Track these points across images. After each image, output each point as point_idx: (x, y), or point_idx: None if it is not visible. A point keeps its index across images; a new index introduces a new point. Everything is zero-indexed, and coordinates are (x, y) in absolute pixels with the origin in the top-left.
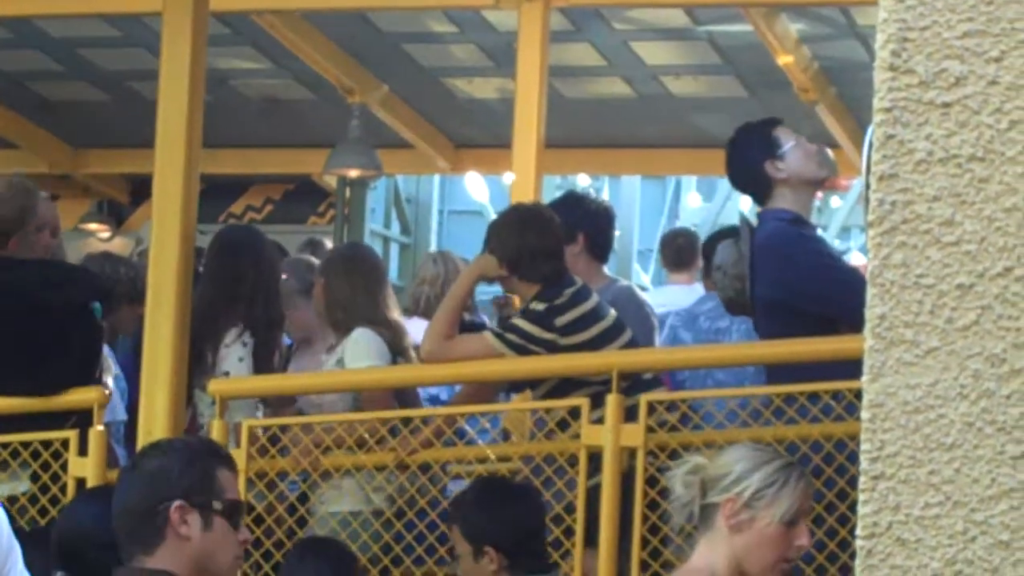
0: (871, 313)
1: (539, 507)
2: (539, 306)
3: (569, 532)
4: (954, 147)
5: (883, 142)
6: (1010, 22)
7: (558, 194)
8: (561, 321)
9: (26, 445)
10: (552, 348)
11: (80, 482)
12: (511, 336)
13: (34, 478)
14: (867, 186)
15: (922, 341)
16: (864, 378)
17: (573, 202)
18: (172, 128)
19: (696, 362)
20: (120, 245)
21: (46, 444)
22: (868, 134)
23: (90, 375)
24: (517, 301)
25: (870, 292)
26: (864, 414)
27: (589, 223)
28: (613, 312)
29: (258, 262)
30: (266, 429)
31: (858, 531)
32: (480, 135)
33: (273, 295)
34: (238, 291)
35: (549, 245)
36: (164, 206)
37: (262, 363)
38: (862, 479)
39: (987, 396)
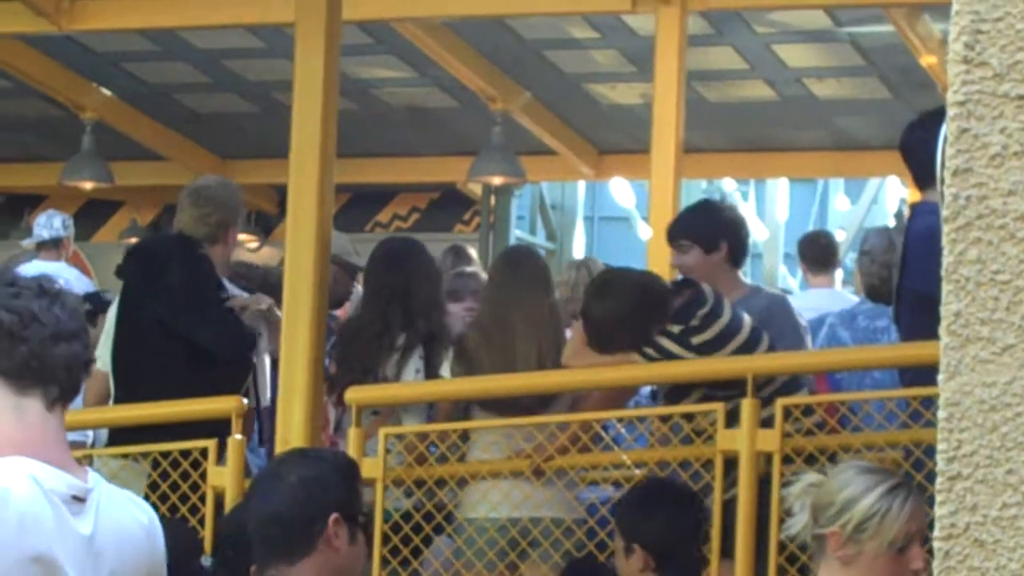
0: (946, 310)
1: (695, 513)
2: (675, 328)
3: (706, 537)
4: None
5: (957, 136)
6: None
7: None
8: (697, 340)
9: (165, 455)
10: None
11: (218, 491)
12: (650, 351)
13: (153, 487)
14: (941, 181)
15: (998, 338)
16: (940, 376)
17: (712, 210)
18: (307, 138)
19: (828, 365)
20: (268, 255)
21: (185, 453)
22: (942, 129)
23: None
24: None
25: (945, 289)
26: (940, 413)
27: (731, 232)
28: (748, 322)
29: (421, 273)
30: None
31: (936, 532)
32: (624, 140)
33: (436, 306)
34: (405, 303)
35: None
36: (299, 216)
37: (432, 374)
38: (939, 479)
39: None
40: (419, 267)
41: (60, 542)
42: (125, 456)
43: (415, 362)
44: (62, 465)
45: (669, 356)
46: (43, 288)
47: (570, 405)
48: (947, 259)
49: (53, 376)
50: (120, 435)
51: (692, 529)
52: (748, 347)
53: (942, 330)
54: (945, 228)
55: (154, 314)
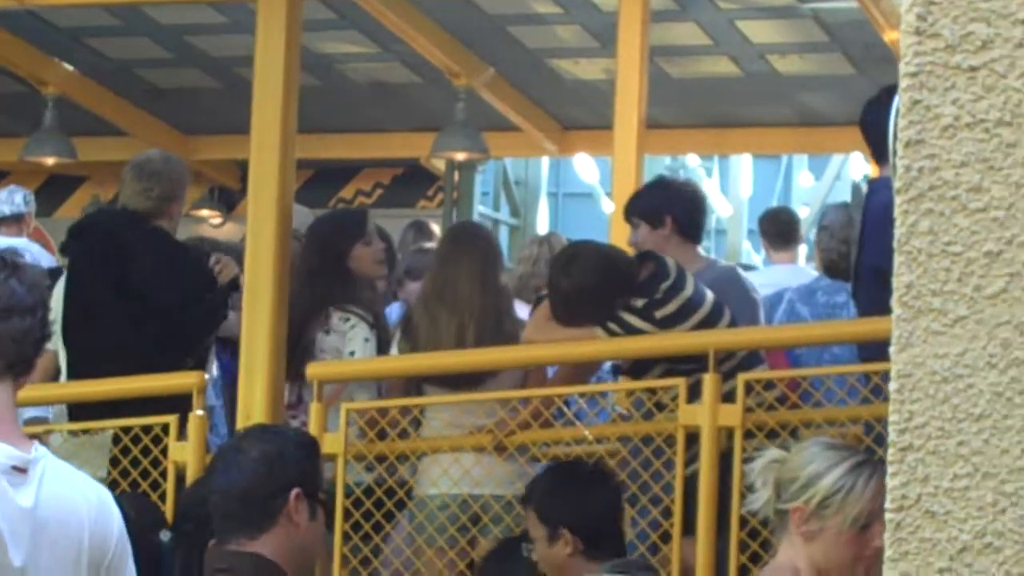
0: (898, 282)
1: (616, 491)
2: (638, 302)
3: (667, 512)
4: (981, 112)
5: (909, 107)
6: None
7: (666, 175)
8: (661, 314)
9: (126, 430)
10: None
11: (179, 466)
12: (614, 327)
13: (113, 463)
14: (894, 153)
15: (950, 310)
16: (892, 348)
17: (660, 186)
18: (268, 113)
19: (789, 341)
20: (232, 230)
21: (146, 429)
22: (894, 101)
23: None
24: None
25: (897, 260)
26: (892, 385)
27: (676, 206)
28: (711, 296)
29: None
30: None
31: (887, 503)
32: (587, 116)
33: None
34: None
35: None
36: (260, 192)
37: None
38: (890, 451)
39: (1016, 365)
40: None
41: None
42: (86, 432)
43: (363, 331)
44: (5, 437)
45: (632, 331)
46: (3, 261)
47: (522, 379)
48: (899, 231)
49: (3, 352)
50: (79, 411)
51: (616, 506)
52: (710, 321)
53: (894, 302)
54: (897, 200)
55: (129, 293)
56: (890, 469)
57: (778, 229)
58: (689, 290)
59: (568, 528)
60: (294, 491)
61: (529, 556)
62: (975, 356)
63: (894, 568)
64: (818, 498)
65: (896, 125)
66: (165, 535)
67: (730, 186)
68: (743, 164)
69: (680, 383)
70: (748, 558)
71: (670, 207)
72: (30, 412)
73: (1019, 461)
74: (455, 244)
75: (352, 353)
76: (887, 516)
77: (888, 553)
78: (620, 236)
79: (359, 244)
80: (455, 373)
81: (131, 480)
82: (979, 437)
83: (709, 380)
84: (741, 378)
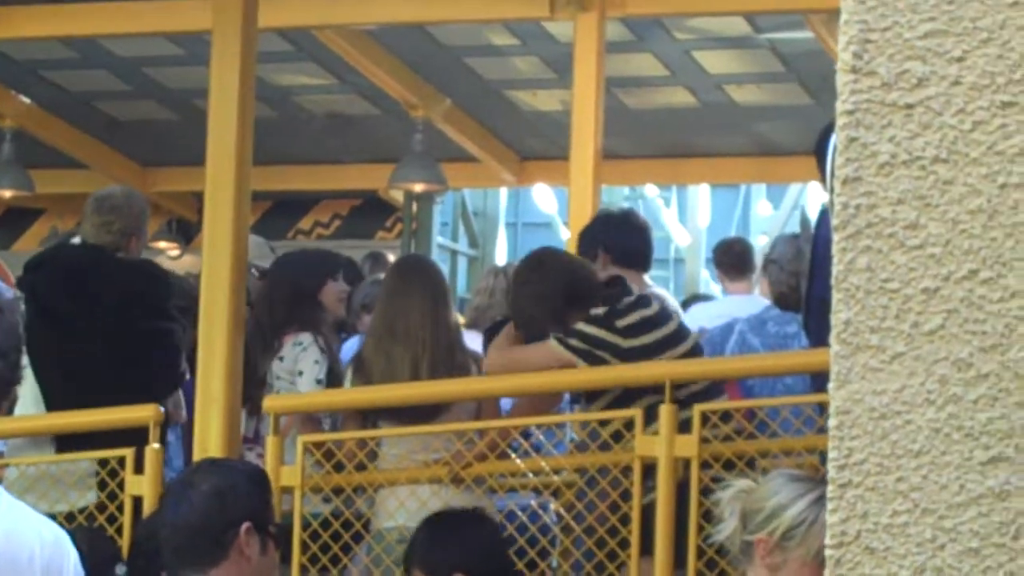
0: (836, 319)
1: (494, 527)
2: (599, 311)
3: (624, 543)
4: (917, 149)
5: (846, 145)
6: (972, 21)
7: (626, 204)
8: (622, 323)
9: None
10: (616, 352)
11: (136, 500)
12: (575, 341)
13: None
14: (831, 190)
15: (888, 346)
16: (830, 385)
17: (595, 220)
18: (223, 145)
19: (746, 371)
20: (189, 263)
21: (103, 462)
22: (832, 138)
23: (169, 390)
24: None
25: (835, 297)
26: (831, 421)
27: (605, 237)
28: (675, 320)
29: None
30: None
31: (827, 540)
32: (545, 147)
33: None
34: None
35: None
36: (216, 224)
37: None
38: (830, 487)
39: (954, 401)
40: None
41: None
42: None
43: (314, 353)
44: None
45: (595, 343)
46: None
47: (476, 411)
48: (837, 268)
49: None
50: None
51: (498, 542)
52: (673, 341)
53: (832, 338)
54: (835, 237)
55: (95, 330)
56: (829, 505)
57: (732, 260)
58: (653, 309)
59: (460, 572)
60: (245, 525)
61: None
62: (913, 392)
63: None
64: (782, 529)
65: (833, 162)
66: (120, 569)
67: (688, 215)
68: (701, 194)
69: (636, 413)
70: None
71: (600, 239)
72: None
73: (957, 497)
74: (403, 278)
75: (300, 373)
76: (827, 552)
77: None
78: None
79: (330, 280)
80: (409, 406)
81: (87, 513)
82: (918, 473)
83: (665, 411)
84: (697, 408)
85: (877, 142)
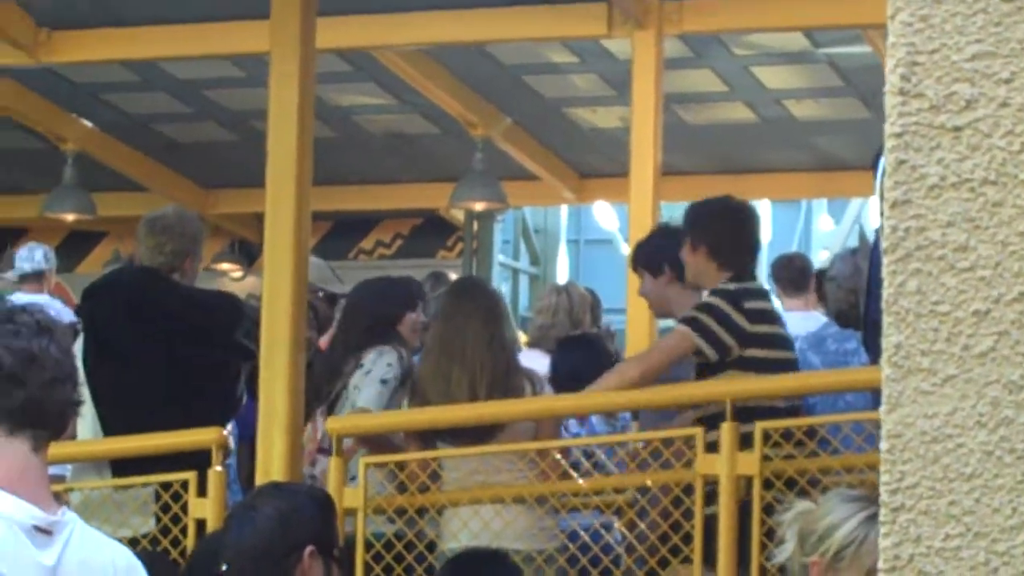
0: (887, 342)
1: (511, 567)
2: (729, 285)
3: (687, 563)
4: (966, 171)
5: (895, 168)
6: (1019, 42)
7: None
8: (749, 306)
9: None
10: (741, 336)
11: (200, 523)
12: (702, 317)
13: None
14: (881, 213)
15: (939, 369)
16: (882, 408)
17: (657, 234)
18: (282, 166)
19: (807, 389)
20: (252, 284)
21: (166, 486)
22: (881, 161)
23: (227, 416)
24: None
25: (886, 320)
26: (883, 445)
27: (671, 252)
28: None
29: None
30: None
31: (880, 564)
32: (605, 164)
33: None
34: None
35: (754, 237)
36: (276, 245)
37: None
38: (882, 511)
39: (1006, 424)
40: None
41: (14, 565)
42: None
43: (381, 369)
44: (34, 500)
45: (722, 319)
46: (40, 325)
47: (534, 432)
48: (887, 291)
49: (47, 421)
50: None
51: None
52: (788, 343)
53: (883, 362)
54: (885, 260)
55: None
56: (882, 530)
57: (791, 275)
58: (772, 305)
59: None
60: (308, 548)
61: None
62: (964, 416)
63: None
64: (833, 550)
65: (882, 185)
66: None
67: None
68: (762, 209)
69: (698, 432)
70: None
71: (665, 255)
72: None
73: (1010, 520)
74: (459, 300)
75: (356, 388)
76: None
77: None
78: (637, 284)
79: (409, 312)
80: (467, 428)
81: (151, 537)
82: (970, 497)
83: (727, 429)
84: (759, 426)
85: (926, 164)
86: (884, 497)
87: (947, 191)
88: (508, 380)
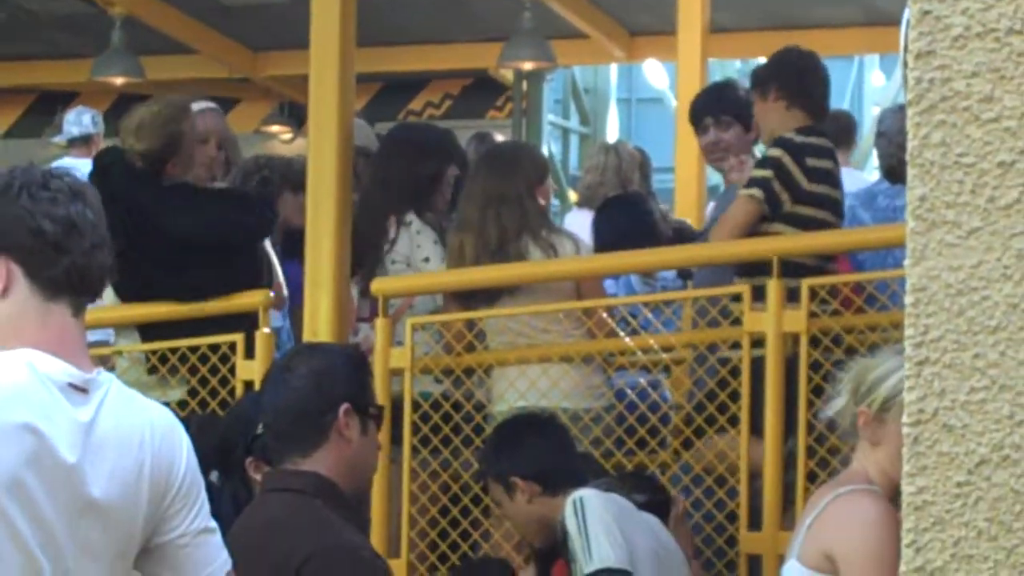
0: (911, 195)
1: (555, 428)
2: (796, 137)
3: (734, 420)
4: (991, 21)
5: (919, 19)
6: None
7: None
8: (811, 163)
9: (194, 350)
10: (797, 193)
11: (248, 384)
12: (763, 172)
13: (192, 390)
14: (904, 65)
15: (964, 222)
16: (906, 262)
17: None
18: (326, 26)
19: (856, 245)
20: (301, 146)
21: (214, 348)
22: (906, 12)
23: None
24: None
25: (910, 173)
26: (907, 298)
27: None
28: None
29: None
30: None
31: (904, 418)
32: (655, 22)
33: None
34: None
35: (823, 84)
36: (321, 106)
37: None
38: (907, 364)
39: None
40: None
41: (49, 420)
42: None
43: (429, 234)
44: (69, 358)
45: (780, 170)
46: (72, 189)
47: (575, 290)
48: (911, 143)
49: (87, 287)
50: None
51: (561, 444)
52: (839, 208)
53: (907, 214)
54: (909, 112)
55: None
56: (907, 383)
57: (836, 132)
58: (835, 167)
59: (519, 476)
60: (343, 406)
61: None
62: (990, 268)
63: (912, 482)
64: (880, 400)
65: (907, 37)
66: (214, 475)
67: None
68: None
69: (744, 289)
70: (816, 463)
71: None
72: (93, 336)
73: None
74: (486, 161)
75: (427, 260)
76: (905, 430)
77: (906, 468)
78: (686, 141)
79: (451, 166)
80: (505, 288)
81: (200, 399)
82: (995, 350)
83: (773, 286)
84: (805, 283)
85: (950, 15)
86: (908, 351)
87: (972, 41)
88: (515, 244)
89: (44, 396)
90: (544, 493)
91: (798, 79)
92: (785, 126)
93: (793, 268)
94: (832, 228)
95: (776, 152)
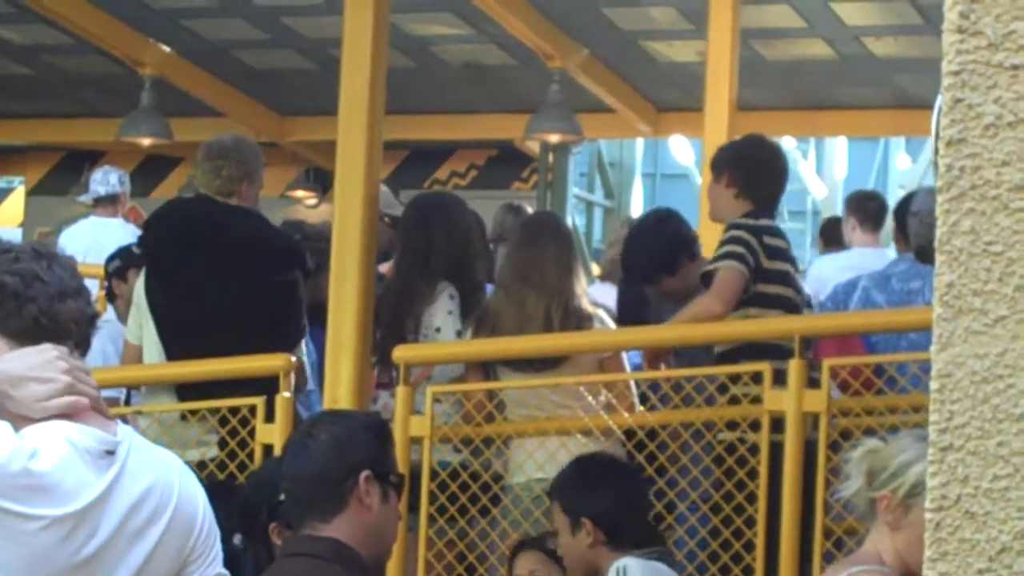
0: (939, 281)
1: (639, 482)
2: (747, 220)
3: (752, 498)
4: (1023, 111)
5: (951, 106)
6: None
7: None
8: (767, 241)
9: (215, 411)
10: (757, 270)
11: (267, 448)
12: (734, 247)
13: (221, 444)
14: (936, 151)
15: (991, 310)
16: (932, 348)
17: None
18: (355, 94)
19: (873, 327)
20: (326, 211)
21: (234, 411)
22: (938, 99)
23: (291, 341)
24: None
25: (938, 259)
26: (932, 384)
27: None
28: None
29: (445, 229)
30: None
31: (927, 504)
32: (682, 98)
33: (468, 260)
34: (431, 260)
35: (781, 170)
36: (347, 173)
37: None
38: (931, 450)
39: None
40: (444, 223)
41: (87, 494)
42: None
43: (445, 303)
44: (92, 421)
45: (747, 246)
46: (38, 251)
47: (597, 364)
48: (940, 230)
49: (66, 331)
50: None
51: (639, 498)
52: (796, 283)
53: (935, 301)
54: (939, 199)
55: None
56: (931, 469)
57: (868, 213)
58: (787, 245)
59: (589, 519)
60: (364, 473)
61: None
62: (1016, 356)
63: (933, 568)
64: (906, 488)
65: (938, 124)
66: (237, 539)
67: (825, 168)
68: (839, 146)
69: (765, 368)
70: (832, 544)
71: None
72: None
73: None
74: (537, 229)
75: (439, 330)
76: (927, 516)
77: (928, 553)
78: None
79: (482, 239)
80: (531, 360)
81: (218, 461)
82: (1019, 438)
83: (795, 366)
84: (826, 363)
85: (982, 103)
86: (933, 436)
87: (1003, 130)
88: (582, 310)
89: (82, 470)
90: (607, 543)
91: (750, 171)
92: (733, 212)
93: (775, 350)
94: (793, 304)
95: (739, 232)
